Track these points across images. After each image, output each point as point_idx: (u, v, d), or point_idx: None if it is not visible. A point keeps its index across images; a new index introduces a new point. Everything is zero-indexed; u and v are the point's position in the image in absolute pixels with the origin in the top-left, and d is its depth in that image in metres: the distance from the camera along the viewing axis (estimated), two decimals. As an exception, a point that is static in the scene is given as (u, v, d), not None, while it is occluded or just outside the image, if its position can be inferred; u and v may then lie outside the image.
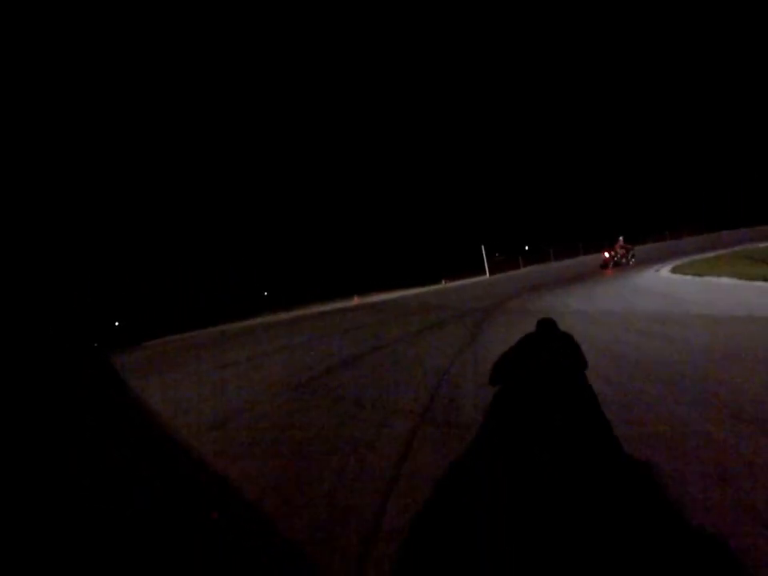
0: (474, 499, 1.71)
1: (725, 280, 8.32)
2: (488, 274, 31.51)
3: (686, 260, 14.91)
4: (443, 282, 32.52)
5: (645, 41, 60.16)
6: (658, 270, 13.37)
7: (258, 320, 25.00)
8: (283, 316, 24.60)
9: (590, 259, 27.86)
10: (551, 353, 3.42)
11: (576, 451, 1.93)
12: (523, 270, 29.90)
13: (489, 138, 66.93)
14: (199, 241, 54.77)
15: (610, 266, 17.90)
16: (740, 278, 7.98)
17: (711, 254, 15.60)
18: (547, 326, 4.25)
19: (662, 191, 54.13)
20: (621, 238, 18.30)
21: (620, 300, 8.18)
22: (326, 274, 54.87)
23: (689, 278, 9.92)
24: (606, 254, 18.30)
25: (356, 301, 28.34)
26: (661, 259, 17.82)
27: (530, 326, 5.08)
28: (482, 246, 32.97)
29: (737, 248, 16.69)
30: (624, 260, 18.04)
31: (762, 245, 16.33)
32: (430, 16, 72.27)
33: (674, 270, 11.96)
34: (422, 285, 33.47)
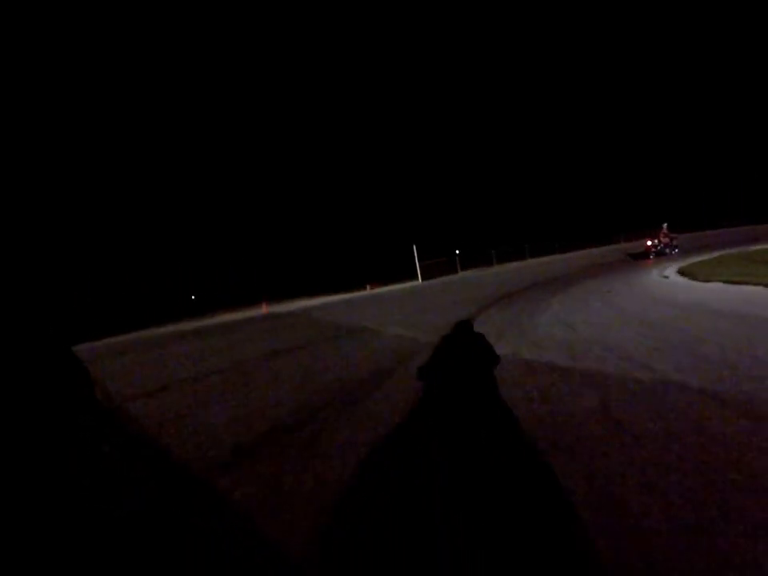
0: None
1: None
2: (420, 279, 27.17)
3: (698, 259, 11.34)
4: (368, 287, 27.56)
5: (650, 36, 59.76)
6: (666, 277, 9.41)
7: (158, 330, 18.54)
8: (184, 327, 18.24)
9: (541, 262, 24.72)
10: (467, 352, 3.81)
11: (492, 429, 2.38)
12: (461, 275, 26.02)
13: (421, 126, 62.96)
14: (135, 240, 47.65)
15: (652, 255, 16.56)
16: None
17: (729, 252, 12.31)
18: (463, 327, 4.41)
19: (627, 192, 53.73)
20: (665, 225, 16.78)
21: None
22: (248, 276, 47.86)
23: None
24: (649, 242, 17.00)
25: (264, 310, 22.84)
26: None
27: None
28: (414, 247, 28.62)
29: (732, 250, 13.67)
30: (667, 250, 16.55)
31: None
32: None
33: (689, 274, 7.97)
34: (345, 290, 28.40)
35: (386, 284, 28.60)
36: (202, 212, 53.03)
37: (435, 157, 58.41)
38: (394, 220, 48.77)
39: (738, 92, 51.72)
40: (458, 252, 30.40)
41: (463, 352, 4.64)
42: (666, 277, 9.44)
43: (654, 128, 58.10)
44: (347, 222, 52.61)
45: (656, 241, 16.72)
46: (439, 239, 36.16)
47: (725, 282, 7.45)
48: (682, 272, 9.68)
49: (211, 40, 62.41)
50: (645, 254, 17.29)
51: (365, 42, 68.60)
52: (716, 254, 13.09)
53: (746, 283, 6.93)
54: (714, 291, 6.77)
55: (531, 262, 27.93)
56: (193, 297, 49.27)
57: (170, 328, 20.97)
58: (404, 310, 10.35)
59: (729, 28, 52.79)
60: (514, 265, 26.84)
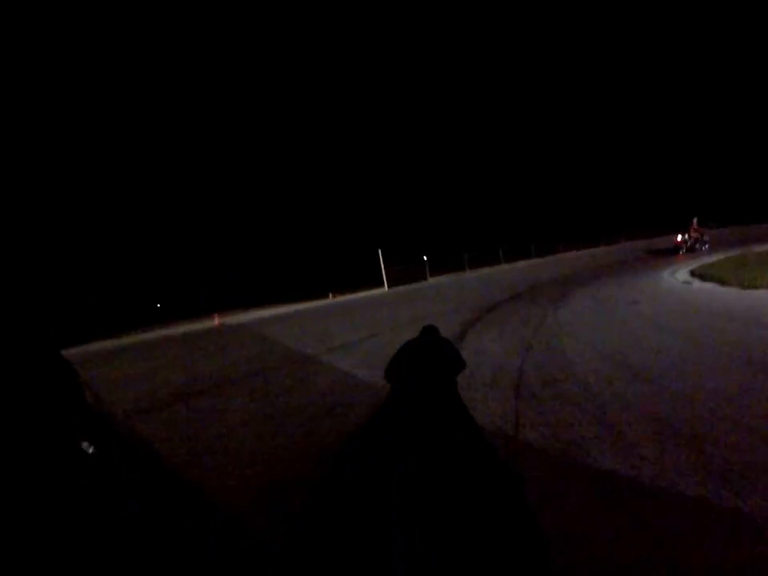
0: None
1: None
2: (386, 287, 25.01)
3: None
4: (330, 296, 25.13)
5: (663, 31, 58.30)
6: (689, 282, 7.62)
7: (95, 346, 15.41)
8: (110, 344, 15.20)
9: (520, 267, 23.19)
10: (431, 356, 2.92)
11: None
12: (431, 281, 24.07)
13: (385, 122, 60.44)
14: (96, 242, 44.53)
15: (682, 251, 15.57)
16: None
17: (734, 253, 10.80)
18: (429, 331, 3.30)
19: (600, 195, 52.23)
20: (694, 219, 15.82)
21: None
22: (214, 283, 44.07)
23: None
24: (679, 237, 16.00)
25: (216, 321, 19.98)
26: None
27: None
28: (379, 252, 26.40)
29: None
30: (697, 245, 15.62)
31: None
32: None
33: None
34: (306, 298, 25.81)
35: (350, 292, 26.23)
36: (161, 216, 48.99)
37: (400, 155, 56.40)
38: (358, 222, 46.45)
39: (736, 92, 51.69)
40: (425, 258, 28.40)
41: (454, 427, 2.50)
42: (689, 282, 7.64)
43: (640, 125, 57.68)
44: (309, 225, 49.85)
45: (686, 236, 15.77)
46: (406, 243, 34.19)
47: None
48: (701, 275, 7.94)
49: (215, 39, 59.45)
50: (673, 250, 16.41)
51: (320, 44, 66.27)
52: (722, 256, 11.64)
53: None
54: None
55: (508, 266, 26.32)
56: (158, 305, 45.70)
57: (94, 346, 17.71)
58: (364, 326, 8.06)
59: (738, 26, 52.77)
60: (489, 270, 25.12)
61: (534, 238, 31.76)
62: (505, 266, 26.80)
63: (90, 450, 0.78)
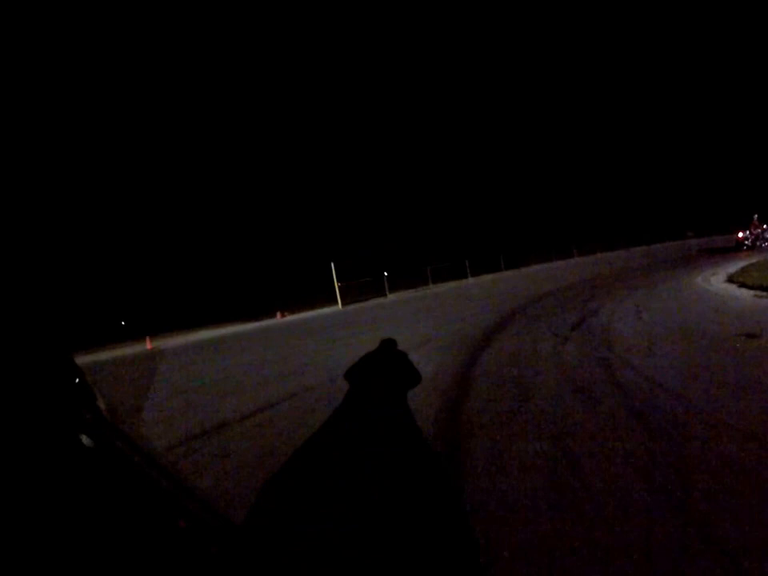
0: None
1: None
2: (340, 304, 22.11)
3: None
4: (279, 315, 21.91)
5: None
6: (760, 296, 5.33)
7: None
8: None
9: (492, 279, 21.04)
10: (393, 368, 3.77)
11: None
12: (392, 297, 21.49)
13: (338, 124, 56.98)
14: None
15: (745, 247, 15.56)
16: None
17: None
18: (388, 344, 4.23)
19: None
20: (755, 216, 15.67)
21: None
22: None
23: None
24: (740, 234, 16.07)
25: (149, 346, 16.99)
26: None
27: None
28: (332, 265, 23.49)
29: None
30: (758, 242, 15.42)
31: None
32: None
33: None
34: (252, 317, 22.46)
35: (300, 310, 23.11)
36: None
37: (359, 162, 53.52)
38: (312, 234, 43.26)
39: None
40: (385, 273, 25.78)
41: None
42: (760, 296, 5.37)
43: (637, 130, 56.45)
44: (262, 238, 46.04)
45: (747, 233, 15.74)
46: (362, 256, 31.47)
47: None
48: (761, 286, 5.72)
49: (215, 39, 56.04)
50: (734, 247, 16.23)
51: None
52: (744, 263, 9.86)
53: None
54: None
55: (473, 280, 24.23)
56: (123, 322, 40.13)
57: None
58: (285, 372, 5.13)
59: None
60: (456, 284, 23.04)
61: (504, 251, 29.63)
62: (471, 280, 24.67)
63: (87, 443, 0.75)
